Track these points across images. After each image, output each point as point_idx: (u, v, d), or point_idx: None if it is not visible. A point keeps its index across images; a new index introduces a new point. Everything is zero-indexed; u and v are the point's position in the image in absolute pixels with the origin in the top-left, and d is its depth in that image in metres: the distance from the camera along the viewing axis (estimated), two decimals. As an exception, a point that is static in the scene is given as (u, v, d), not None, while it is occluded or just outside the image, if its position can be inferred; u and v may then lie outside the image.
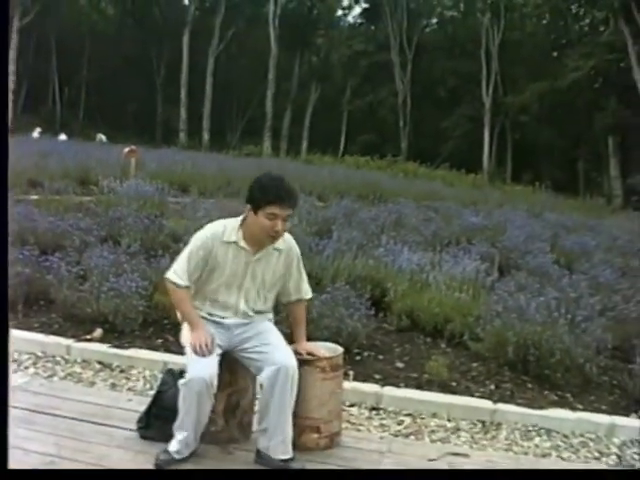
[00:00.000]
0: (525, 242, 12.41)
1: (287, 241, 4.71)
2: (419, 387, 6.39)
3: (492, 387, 6.59)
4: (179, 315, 4.71)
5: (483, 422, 5.89)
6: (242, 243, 4.53)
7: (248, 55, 58.69)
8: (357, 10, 63.42)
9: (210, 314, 4.65)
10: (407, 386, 6.41)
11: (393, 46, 53.96)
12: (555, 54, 52.65)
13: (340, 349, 5.06)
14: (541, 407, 6.19)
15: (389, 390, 6.22)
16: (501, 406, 6.09)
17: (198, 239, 4.54)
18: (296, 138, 54.95)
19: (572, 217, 19.31)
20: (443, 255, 10.00)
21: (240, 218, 4.57)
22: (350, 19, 65.07)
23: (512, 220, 15.93)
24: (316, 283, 7.95)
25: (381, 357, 7.11)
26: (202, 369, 4.30)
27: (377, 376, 6.58)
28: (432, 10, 59.20)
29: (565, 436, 5.79)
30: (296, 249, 4.79)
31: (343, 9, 64.26)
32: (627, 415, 6.28)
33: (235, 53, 58.29)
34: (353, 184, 21.17)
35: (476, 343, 7.20)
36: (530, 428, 5.85)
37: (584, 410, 6.27)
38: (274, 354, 4.48)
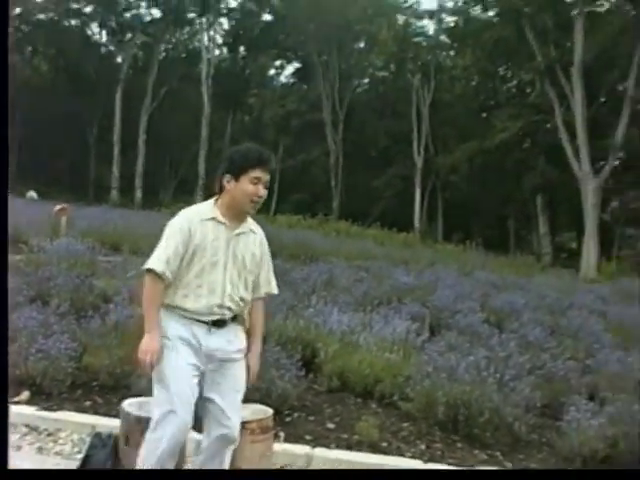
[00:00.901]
0: (455, 301, 12.48)
1: (259, 227, 4.70)
2: (350, 448, 6.39)
3: (423, 447, 6.62)
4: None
5: (415, 483, 5.91)
6: (221, 218, 4.45)
7: (181, 113, 58.80)
8: (289, 69, 64.16)
9: (191, 314, 4.39)
10: (338, 447, 6.40)
11: (325, 105, 54.42)
12: (484, 115, 53.58)
13: (270, 411, 5.06)
14: (471, 466, 6.23)
15: (320, 451, 6.20)
16: (432, 466, 6.11)
17: (174, 224, 4.40)
18: (229, 197, 54.85)
19: (502, 275, 19.52)
20: (374, 315, 10.00)
21: (213, 199, 4.55)
22: (282, 78, 65.77)
23: (443, 279, 16.03)
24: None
25: (312, 418, 7.10)
26: (177, 425, 4.22)
27: (308, 437, 6.55)
28: (363, 70, 59.87)
29: (495, 496, 5.83)
30: (266, 240, 4.76)
31: (276, 68, 64.97)
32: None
33: (168, 111, 58.31)
34: (285, 243, 21.11)
35: (406, 403, 7.23)
36: (461, 488, 5.88)
37: (514, 468, 6.34)
38: (227, 420, 4.39)
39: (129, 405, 5.33)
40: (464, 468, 5.44)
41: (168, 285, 4.36)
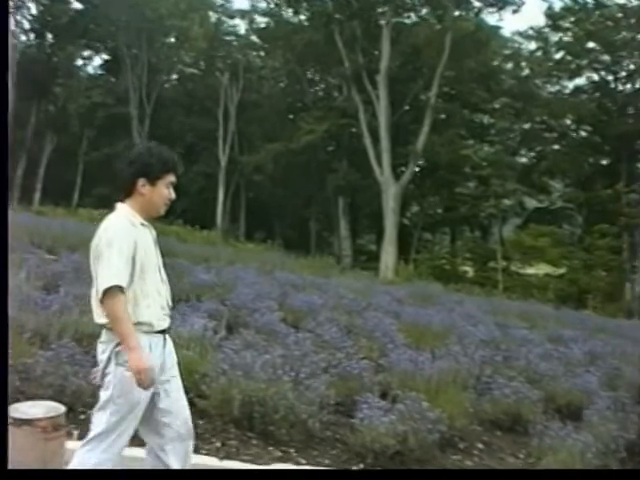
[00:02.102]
0: (254, 300, 12.47)
1: None
2: (144, 445, 6.32)
3: (218, 444, 6.62)
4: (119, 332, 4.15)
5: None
6: (144, 222, 4.41)
7: (-19, 100, 56.53)
8: (98, 61, 62.75)
9: (155, 325, 4.35)
10: (131, 445, 6.31)
11: (132, 99, 53.45)
12: (291, 116, 54.04)
13: (62, 408, 4.96)
14: (266, 463, 6.28)
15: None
16: (226, 463, 6.12)
17: (119, 237, 4.20)
18: (29, 188, 53.18)
19: (302, 276, 19.69)
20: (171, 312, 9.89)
21: (123, 204, 4.41)
22: (90, 69, 64.18)
23: (243, 278, 16.03)
24: (41, 340, 7.74)
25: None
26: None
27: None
28: (172, 66, 59.20)
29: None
30: None
31: (83, 59, 63.24)
32: (349, 468, 6.51)
33: (-33, 97, 55.99)
34: (86, 237, 20.31)
35: (202, 400, 7.22)
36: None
37: (307, 464, 6.43)
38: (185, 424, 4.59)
39: None
40: (464, 468, 5.45)
41: (126, 302, 4.18)
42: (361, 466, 6.63)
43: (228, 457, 6.30)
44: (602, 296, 35.99)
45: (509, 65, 50.90)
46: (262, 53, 57.47)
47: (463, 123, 49.07)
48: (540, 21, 59.40)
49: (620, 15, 42.25)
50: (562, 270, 40.72)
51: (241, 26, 55.56)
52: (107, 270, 4.12)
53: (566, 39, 45.49)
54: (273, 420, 6.86)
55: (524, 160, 50.86)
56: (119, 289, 4.08)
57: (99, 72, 63.09)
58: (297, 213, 53.70)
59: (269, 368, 7.24)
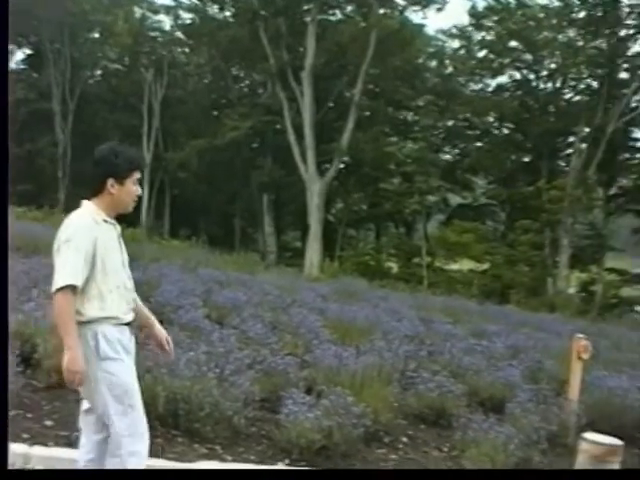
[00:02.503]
0: (178, 297, 12.39)
1: None
2: (70, 445, 6.22)
3: (143, 442, 6.57)
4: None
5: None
6: (109, 219, 4.50)
7: None
8: (20, 55, 61.59)
9: (122, 318, 4.47)
10: (57, 445, 6.22)
11: (55, 95, 52.62)
12: (215, 113, 53.82)
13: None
14: (191, 460, 6.26)
15: (38, 450, 5.99)
16: (152, 462, 6.06)
17: (77, 235, 4.32)
18: (-52, 185, 52.05)
19: (226, 272, 19.59)
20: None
21: (89, 202, 4.54)
22: (12, 65, 63.01)
23: (167, 275, 15.88)
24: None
25: (30, 415, 6.87)
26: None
27: (25, 435, 6.33)
28: (96, 62, 58.42)
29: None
30: None
31: (5, 53, 62.17)
32: (275, 464, 6.52)
33: None
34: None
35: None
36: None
37: (233, 461, 6.42)
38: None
39: None
40: (465, 468, 5.40)
41: (91, 297, 4.34)
42: (287, 462, 6.64)
43: (153, 455, 6.23)
44: (525, 291, 36.50)
45: (433, 63, 51.30)
46: (187, 49, 56.99)
47: (387, 120, 49.41)
48: (464, 20, 60.04)
49: (542, 15, 42.87)
50: (485, 266, 41.22)
51: (166, 22, 55.01)
52: (62, 269, 4.25)
53: (489, 38, 45.99)
54: (198, 417, 6.83)
55: (448, 157, 51.31)
56: (71, 288, 4.20)
57: (21, 67, 61.87)
58: (221, 210, 53.44)
59: (193, 365, 7.21)
